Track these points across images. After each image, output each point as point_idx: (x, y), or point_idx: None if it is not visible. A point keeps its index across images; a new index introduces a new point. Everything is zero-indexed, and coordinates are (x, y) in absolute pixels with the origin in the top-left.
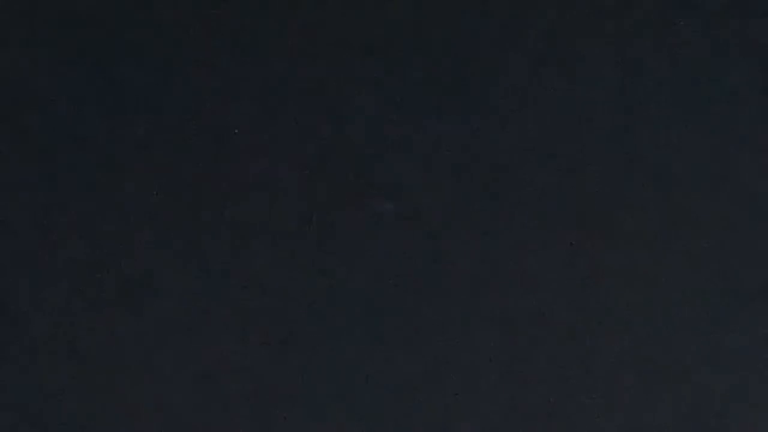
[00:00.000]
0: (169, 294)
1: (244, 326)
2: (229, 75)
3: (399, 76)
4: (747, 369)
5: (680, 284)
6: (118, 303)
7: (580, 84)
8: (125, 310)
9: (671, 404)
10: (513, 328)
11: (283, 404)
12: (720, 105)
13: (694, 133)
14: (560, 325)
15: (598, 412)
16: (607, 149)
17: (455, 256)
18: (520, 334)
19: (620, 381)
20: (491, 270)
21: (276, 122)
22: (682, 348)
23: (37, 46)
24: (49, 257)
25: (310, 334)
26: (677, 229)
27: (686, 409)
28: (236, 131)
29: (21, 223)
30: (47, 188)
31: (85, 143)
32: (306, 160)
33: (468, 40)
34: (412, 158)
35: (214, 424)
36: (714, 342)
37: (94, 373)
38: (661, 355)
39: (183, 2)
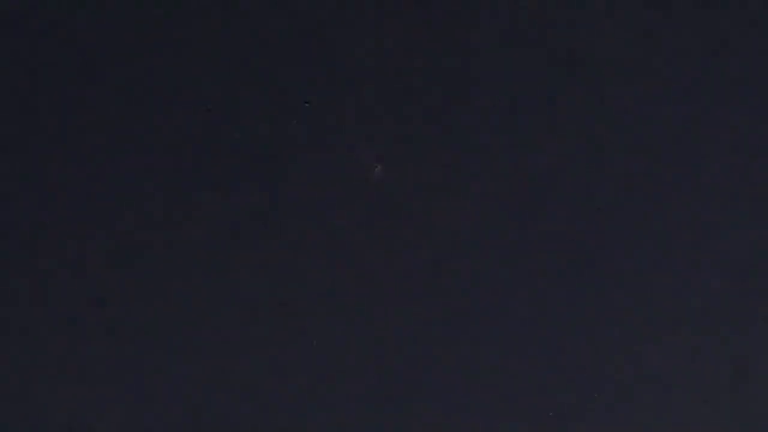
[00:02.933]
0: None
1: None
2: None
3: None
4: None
5: (681, 284)
6: (118, 302)
7: (582, 82)
8: (125, 310)
9: (672, 404)
10: (512, 326)
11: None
12: (722, 104)
13: (699, 131)
14: (561, 324)
15: (599, 413)
16: (611, 147)
17: (452, 253)
18: (519, 332)
19: (621, 382)
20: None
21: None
22: (688, 348)
23: (38, 45)
24: (49, 257)
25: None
26: (680, 230)
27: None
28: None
29: (20, 221)
30: (47, 186)
31: (84, 139)
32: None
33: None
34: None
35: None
36: (718, 342)
37: (94, 371)
38: (664, 356)
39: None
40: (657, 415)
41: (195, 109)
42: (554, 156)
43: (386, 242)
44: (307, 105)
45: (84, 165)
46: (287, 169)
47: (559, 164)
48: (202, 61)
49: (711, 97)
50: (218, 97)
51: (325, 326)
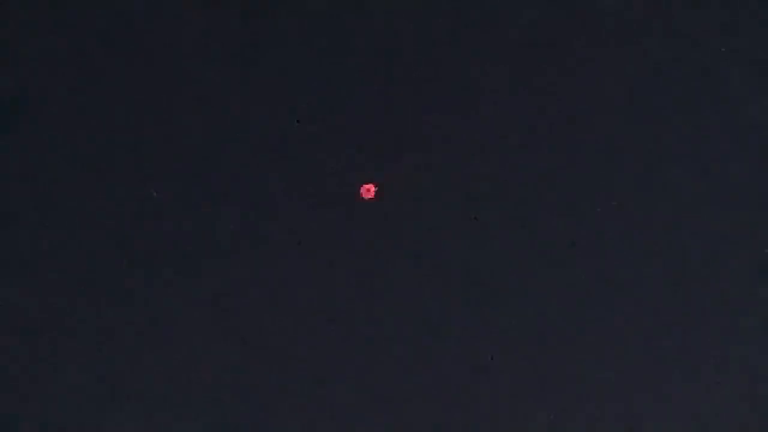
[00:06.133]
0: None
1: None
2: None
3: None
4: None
5: (679, 286)
6: (118, 302)
7: (581, 82)
8: (126, 311)
9: (672, 404)
10: (514, 324)
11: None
12: (720, 105)
13: (695, 133)
14: (563, 324)
15: (600, 415)
16: (613, 145)
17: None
18: (521, 331)
19: (621, 381)
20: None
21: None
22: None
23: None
24: (49, 257)
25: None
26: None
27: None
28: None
29: (21, 221)
30: (47, 186)
31: (85, 139)
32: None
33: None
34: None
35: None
36: (716, 343)
37: (95, 371)
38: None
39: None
40: (656, 415)
41: (194, 110)
42: (553, 157)
43: (386, 243)
44: (298, 123)
45: (83, 165)
46: (287, 170)
47: (558, 165)
48: (203, 61)
49: (712, 98)
50: (218, 97)
51: (324, 327)
